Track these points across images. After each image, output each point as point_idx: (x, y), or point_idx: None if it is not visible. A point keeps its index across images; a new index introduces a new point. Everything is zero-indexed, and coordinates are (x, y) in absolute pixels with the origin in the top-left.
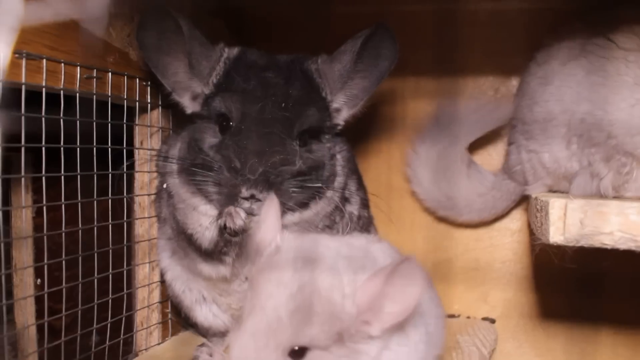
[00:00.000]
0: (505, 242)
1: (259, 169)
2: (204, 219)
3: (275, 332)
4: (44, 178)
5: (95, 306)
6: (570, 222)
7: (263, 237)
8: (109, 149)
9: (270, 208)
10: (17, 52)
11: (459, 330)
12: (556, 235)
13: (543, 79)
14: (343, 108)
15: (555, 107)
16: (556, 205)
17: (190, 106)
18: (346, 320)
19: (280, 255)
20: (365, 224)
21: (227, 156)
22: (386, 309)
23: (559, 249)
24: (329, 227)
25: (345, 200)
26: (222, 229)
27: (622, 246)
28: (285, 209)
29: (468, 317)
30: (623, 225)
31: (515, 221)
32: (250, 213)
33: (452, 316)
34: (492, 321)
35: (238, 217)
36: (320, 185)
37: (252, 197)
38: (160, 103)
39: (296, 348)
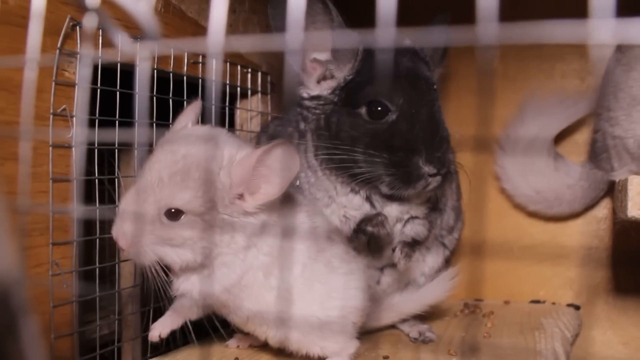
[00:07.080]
0: (592, 229)
1: (442, 147)
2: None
3: (155, 191)
4: None
5: None
6: None
7: (178, 120)
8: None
9: (192, 108)
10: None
11: (543, 314)
12: (634, 209)
13: (627, 65)
14: None
15: (639, 92)
16: (635, 182)
17: (314, 89)
18: (220, 189)
19: (180, 132)
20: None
21: (410, 139)
22: (259, 186)
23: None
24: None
25: None
26: (364, 234)
27: None
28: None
29: (553, 303)
30: None
31: (602, 209)
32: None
33: (537, 302)
34: (577, 308)
35: (387, 225)
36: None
37: (437, 173)
38: (259, 89)
39: (172, 210)
